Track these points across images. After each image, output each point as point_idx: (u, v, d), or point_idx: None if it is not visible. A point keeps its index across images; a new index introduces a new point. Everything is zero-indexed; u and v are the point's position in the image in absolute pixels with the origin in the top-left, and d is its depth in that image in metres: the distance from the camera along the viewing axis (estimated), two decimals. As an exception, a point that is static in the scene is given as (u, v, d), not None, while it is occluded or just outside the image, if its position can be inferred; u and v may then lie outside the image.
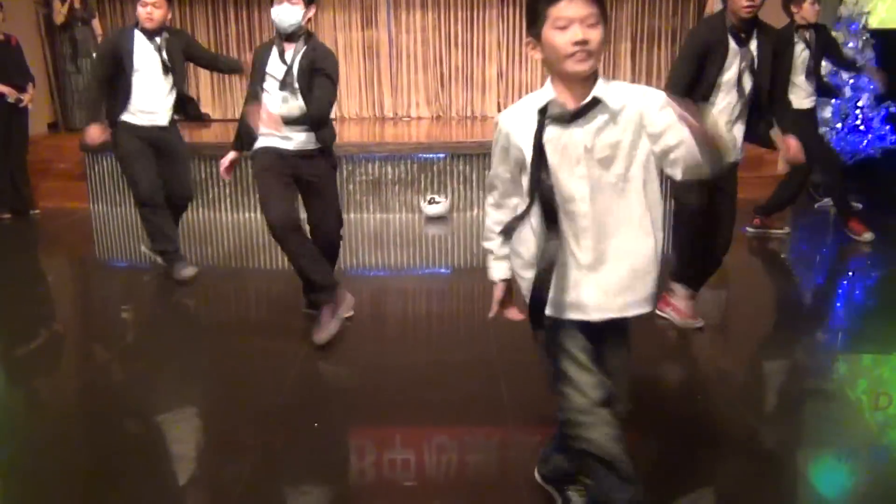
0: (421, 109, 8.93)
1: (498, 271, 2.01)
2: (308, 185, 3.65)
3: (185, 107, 4.64)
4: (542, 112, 1.79)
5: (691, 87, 3.28)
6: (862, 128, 6.14)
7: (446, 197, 6.26)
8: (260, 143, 3.58)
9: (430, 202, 6.20)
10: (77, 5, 7.64)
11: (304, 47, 3.56)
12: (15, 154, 6.36)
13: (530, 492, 2.26)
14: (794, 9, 4.91)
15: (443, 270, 5.07)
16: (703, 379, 3.32)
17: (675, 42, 8.97)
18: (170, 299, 4.31)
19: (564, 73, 1.76)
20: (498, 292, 2.02)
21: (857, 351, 3.67)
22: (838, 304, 4.43)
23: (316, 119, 3.50)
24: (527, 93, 9.39)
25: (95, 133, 4.41)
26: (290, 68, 3.52)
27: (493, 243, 2.00)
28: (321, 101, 3.51)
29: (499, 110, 9.02)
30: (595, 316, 1.84)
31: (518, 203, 1.90)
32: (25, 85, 6.30)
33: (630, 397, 1.99)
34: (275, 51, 3.56)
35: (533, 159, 1.78)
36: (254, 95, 3.60)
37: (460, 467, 2.52)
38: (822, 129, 6.18)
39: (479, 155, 6.34)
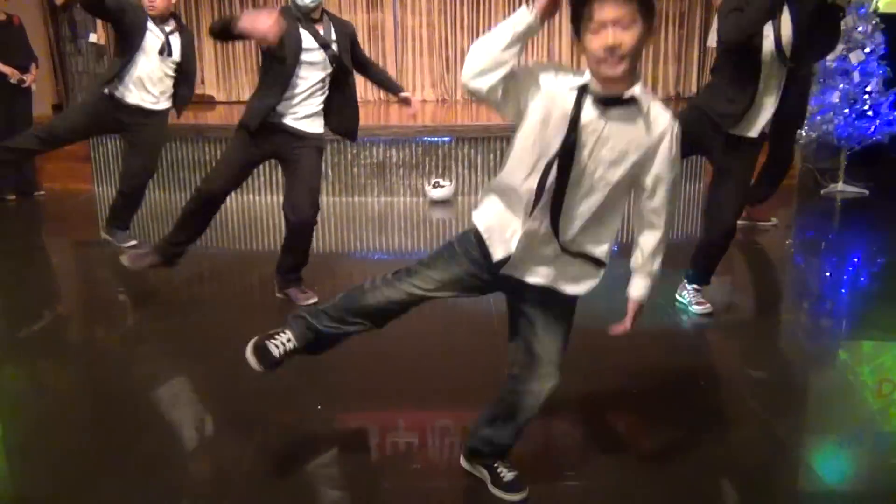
0: (426, 92, 8.90)
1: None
2: (288, 162, 3.67)
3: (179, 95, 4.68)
4: (583, 89, 1.78)
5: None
6: (870, 113, 6.09)
7: (451, 181, 6.25)
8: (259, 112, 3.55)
9: (434, 186, 6.18)
10: None
11: (331, 23, 3.58)
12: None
13: (533, 475, 2.27)
14: None
15: (447, 254, 5.06)
16: (705, 366, 3.32)
17: (683, 26, 8.91)
18: (174, 281, 4.31)
19: (599, 75, 1.76)
20: None
21: (861, 338, 3.66)
22: (842, 291, 4.41)
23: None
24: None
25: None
26: (332, 49, 3.57)
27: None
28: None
29: (504, 94, 8.99)
30: (530, 279, 1.96)
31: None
32: (28, 65, 6.28)
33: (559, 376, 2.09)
34: (306, 34, 3.50)
35: (569, 130, 1.77)
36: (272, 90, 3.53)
37: (455, 447, 2.52)
38: (830, 114, 6.14)
39: (484, 139, 6.32)
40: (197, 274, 4.48)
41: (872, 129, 6.09)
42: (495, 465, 2.24)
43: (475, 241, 2.01)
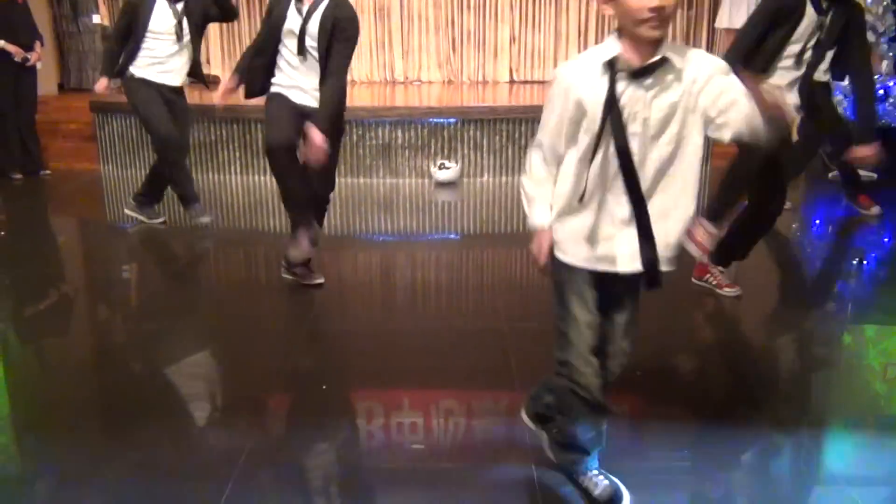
0: (432, 73, 8.84)
1: (543, 217, 1.97)
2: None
3: (198, 71, 4.79)
4: (611, 66, 1.77)
5: (753, 54, 3.21)
6: (881, 92, 6.03)
7: (456, 162, 6.22)
8: (276, 88, 3.57)
9: (440, 167, 6.16)
10: None
11: (326, 2, 3.41)
12: (24, 114, 6.36)
13: (537, 458, 2.27)
14: None
15: (452, 236, 5.06)
16: (709, 348, 3.31)
17: (691, 7, 8.81)
18: (180, 260, 4.32)
19: (636, 36, 1.74)
20: (546, 239, 1.97)
21: (867, 321, 3.65)
22: (848, 275, 4.40)
23: (330, 113, 3.44)
24: (540, 58, 9.29)
25: (101, 86, 4.67)
26: (303, 28, 3.40)
27: (539, 191, 1.96)
28: (334, 94, 3.46)
29: (511, 75, 8.92)
30: (623, 268, 1.89)
31: (568, 152, 1.88)
32: (33, 44, 6.26)
33: (630, 357, 2.05)
34: (293, 6, 3.42)
35: (604, 113, 1.77)
36: (258, 52, 3.57)
37: (467, 432, 2.53)
38: (839, 97, 6.09)
39: (490, 120, 6.29)
40: (202, 253, 4.49)
41: (884, 114, 6.03)
42: (555, 430, 2.24)
43: (576, 274, 1.94)
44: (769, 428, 2.53)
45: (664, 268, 1.90)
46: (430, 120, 6.35)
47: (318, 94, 3.48)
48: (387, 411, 2.66)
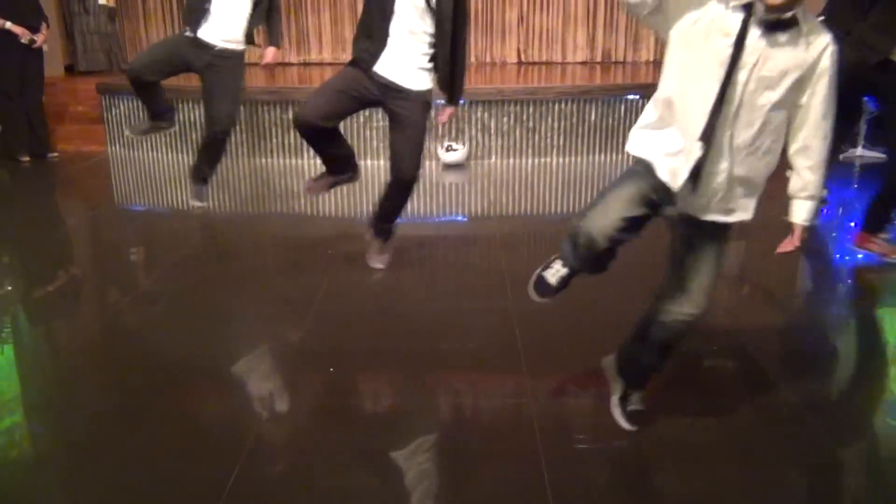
0: (439, 54, 8.78)
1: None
2: (394, 117, 3.50)
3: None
4: (748, 9, 1.80)
5: None
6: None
7: (464, 144, 6.20)
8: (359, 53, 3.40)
9: (447, 149, 6.14)
10: None
11: None
12: (31, 96, 6.36)
13: (543, 437, 2.28)
14: None
15: (459, 218, 5.05)
16: (720, 331, 3.29)
17: None
18: (188, 243, 4.32)
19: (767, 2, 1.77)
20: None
21: (878, 305, 3.63)
22: (861, 258, 4.37)
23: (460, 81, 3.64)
24: (547, 39, 9.18)
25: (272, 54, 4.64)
26: None
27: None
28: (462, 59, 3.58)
29: (518, 56, 8.86)
30: (703, 217, 2.01)
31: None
32: (39, 25, 6.25)
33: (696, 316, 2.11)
34: None
35: (733, 51, 1.80)
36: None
37: (474, 413, 2.54)
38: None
39: (497, 102, 6.25)
40: (210, 235, 4.49)
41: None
42: (630, 388, 2.35)
43: (649, 172, 2.04)
44: (780, 412, 2.52)
45: (732, 218, 2.01)
46: (437, 101, 6.30)
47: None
48: (395, 392, 2.67)
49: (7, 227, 4.87)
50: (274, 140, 6.33)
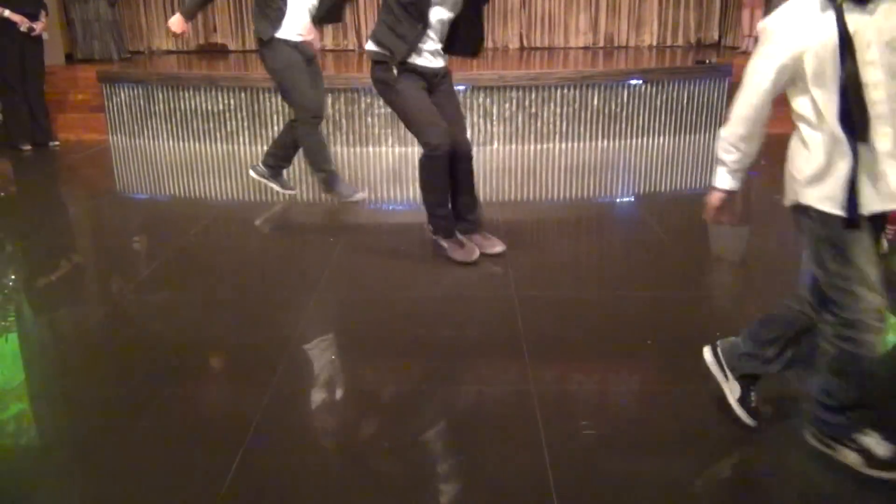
0: (441, 40, 8.74)
1: (726, 181, 2.05)
2: (439, 92, 3.62)
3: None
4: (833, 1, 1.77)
5: None
6: None
7: (466, 130, 6.17)
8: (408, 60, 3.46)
9: (449, 135, 6.11)
10: None
11: None
12: (32, 85, 6.35)
13: (546, 425, 2.27)
14: None
15: (462, 205, 5.03)
16: (717, 323, 3.29)
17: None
18: (189, 232, 4.32)
19: None
20: (717, 199, 2.07)
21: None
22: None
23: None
24: (550, 23, 9.11)
25: (177, 22, 4.27)
26: None
27: (733, 157, 2.02)
28: None
29: (521, 41, 8.81)
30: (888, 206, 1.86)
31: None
32: (38, 13, 6.22)
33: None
34: None
35: (840, 50, 1.76)
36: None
37: (477, 401, 2.53)
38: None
39: (499, 87, 6.22)
40: (213, 223, 4.48)
41: None
42: (750, 387, 2.29)
43: (850, 227, 1.87)
44: (775, 390, 2.52)
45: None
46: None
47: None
48: (397, 380, 2.66)
49: (9, 215, 4.88)
50: (275, 127, 6.31)
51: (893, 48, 1.77)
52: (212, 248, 4.16)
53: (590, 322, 3.06)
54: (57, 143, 6.58)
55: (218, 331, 3.07)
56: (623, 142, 6.36)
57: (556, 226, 4.52)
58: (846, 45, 1.75)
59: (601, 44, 8.81)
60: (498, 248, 3.73)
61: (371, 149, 6.26)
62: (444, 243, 3.69)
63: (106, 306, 3.40)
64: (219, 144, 6.43)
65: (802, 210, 1.96)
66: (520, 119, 6.31)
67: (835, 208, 1.88)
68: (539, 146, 6.31)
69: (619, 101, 6.33)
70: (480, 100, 6.25)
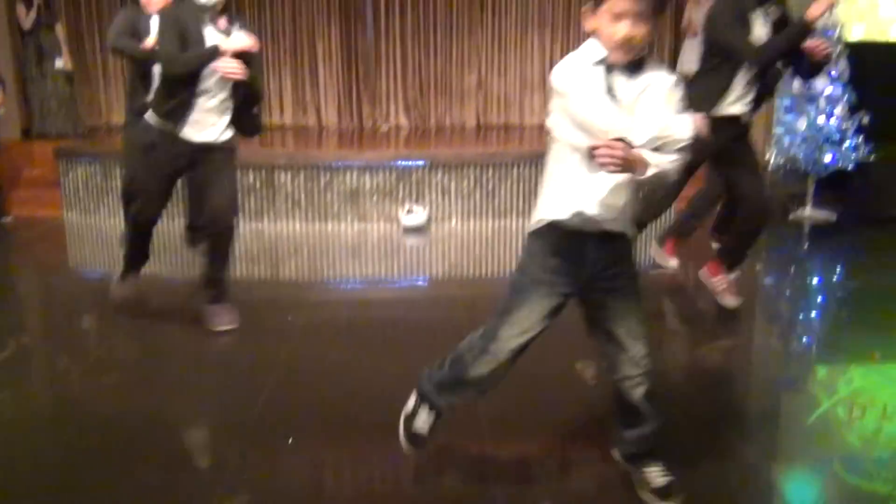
0: (400, 118, 8.91)
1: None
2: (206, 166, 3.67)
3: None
4: (602, 63, 1.97)
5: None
6: (836, 139, 6.18)
7: (424, 207, 6.25)
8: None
9: (408, 212, 6.18)
10: (42, 11, 7.54)
11: (237, 21, 3.56)
12: (-14, 160, 6.28)
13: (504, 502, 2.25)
14: None
15: (420, 282, 5.05)
16: (674, 390, 3.32)
17: (652, 53, 8.97)
18: (145, 308, 4.24)
19: (611, 55, 1.96)
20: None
21: (830, 362, 3.69)
22: (812, 315, 4.46)
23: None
24: (505, 103, 9.35)
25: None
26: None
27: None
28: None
29: (478, 121, 9.02)
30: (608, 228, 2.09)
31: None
32: (-5, 90, 6.21)
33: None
34: (211, 28, 3.48)
35: (598, 102, 1.96)
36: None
37: (436, 480, 2.50)
38: (795, 139, 6.23)
39: (458, 165, 6.34)
40: (167, 301, 4.42)
41: (837, 156, 6.17)
42: (645, 467, 2.31)
43: (551, 245, 2.15)
44: (734, 469, 2.53)
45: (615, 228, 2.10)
46: (398, 163, 6.38)
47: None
48: (354, 464, 2.62)
49: (-44, 294, 4.75)
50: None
51: (638, 111, 1.98)
52: (166, 327, 4.09)
53: (549, 397, 3.06)
54: (9, 218, 6.47)
55: (170, 415, 3.00)
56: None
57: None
58: (609, 98, 1.96)
59: (556, 122, 9.05)
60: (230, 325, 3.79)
61: (330, 225, 6.28)
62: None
63: (53, 388, 3.31)
64: (176, 220, 6.38)
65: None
66: (478, 196, 6.41)
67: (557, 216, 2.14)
68: (497, 222, 6.41)
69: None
70: (439, 177, 6.35)
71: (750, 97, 3.74)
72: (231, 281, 3.97)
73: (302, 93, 8.81)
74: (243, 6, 8.46)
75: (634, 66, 1.98)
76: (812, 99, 6.21)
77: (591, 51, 2.00)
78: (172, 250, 5.68)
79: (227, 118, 3.64)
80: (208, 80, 3.49)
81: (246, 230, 6.12)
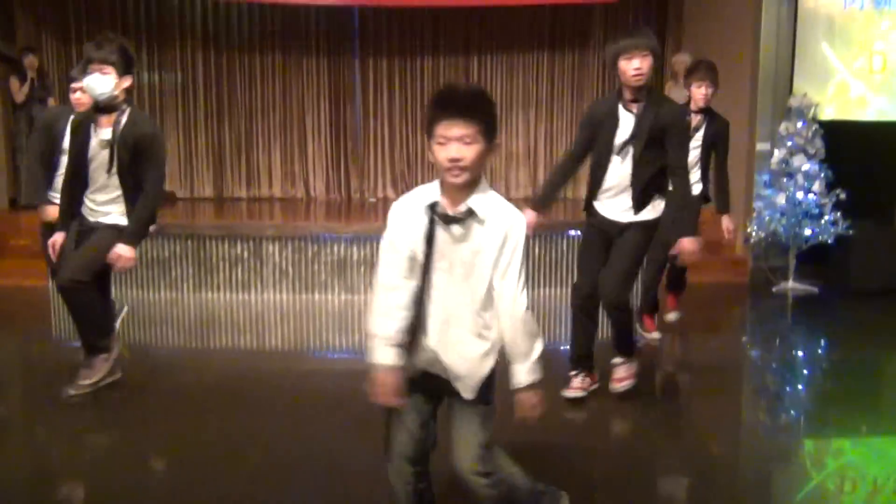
0: (387, 191, 9.02)
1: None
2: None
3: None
4: (432, 208, 2.04)
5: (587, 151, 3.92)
6: (815, 212, 6.31)
7: (411, 278, 6.26)
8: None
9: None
10: (35, 85, 7.66)
11: (124, 120, 3.54)
12: (-27, 230, 6.27)
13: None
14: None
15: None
16: (661, 461, 3.30)
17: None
18: (127, 380, 4.19)
19: (445, 182, 2.02)
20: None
21: (818, 435, 3.69)
22: (798, 388, 4.48)
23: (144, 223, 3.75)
24: (490, 177, 9.48)
25: (51, 212, 4.32)
26: (112, 151, 3.57)
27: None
28: (147, 210, 3.72)
29: (464, 193, 9.12)
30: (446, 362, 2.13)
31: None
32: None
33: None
34: (92, 128, 3.56)
35: (424, 249, 2.03)
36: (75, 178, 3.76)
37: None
38: (775, 215, 6.36)
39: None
40: (150, 372, 4.37)
41: (817, 230, 6.29)
42: None
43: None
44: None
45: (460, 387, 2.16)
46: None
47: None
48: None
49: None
50: (221, 274, 6.31)
51: (462, 265, 2.04)
52: (149, 399, 4.03)
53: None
54: (-7, 288, 6.42)
55: (152, 489, 2.94)
56: (563, 289, 6.53)
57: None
58: (430, 246, 2.03)
59: (540, 196, 9.18)
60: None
61: (317, 296, 6.28)
62: None
63: (33, 460, 3.24)
64: (161, 292, 6.37)
65: None
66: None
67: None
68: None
69: (559, 250, 6.58)
70: (426, 248, 6.39)
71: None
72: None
73: (291, 165, 8.92)
74: (234, 81, 8.65)
75: (467, 214, 2.02)
76: (790, 175, 6.37)
77: (428, 191, 2.08)
78: (162, 319, 5.65)
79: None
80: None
81: (232, 300, 6.11)
